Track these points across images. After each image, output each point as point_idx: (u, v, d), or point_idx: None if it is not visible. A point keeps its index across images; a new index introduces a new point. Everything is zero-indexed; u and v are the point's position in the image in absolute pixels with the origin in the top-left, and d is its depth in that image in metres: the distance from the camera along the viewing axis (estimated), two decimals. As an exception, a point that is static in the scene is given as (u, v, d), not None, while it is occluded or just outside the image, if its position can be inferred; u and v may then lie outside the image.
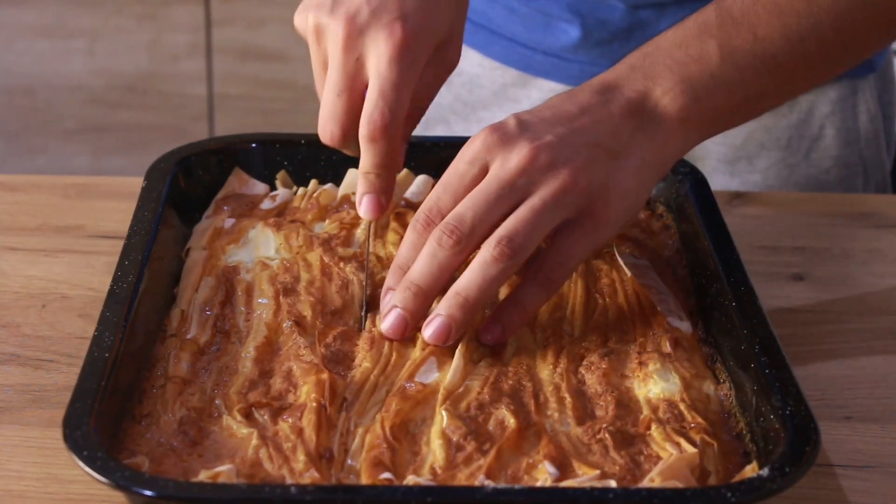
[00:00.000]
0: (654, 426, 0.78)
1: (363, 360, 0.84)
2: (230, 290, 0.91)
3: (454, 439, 0.77)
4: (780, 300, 1.00)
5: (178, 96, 2.54)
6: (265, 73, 2.52)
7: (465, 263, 0.85)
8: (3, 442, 0.83)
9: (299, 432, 0.77)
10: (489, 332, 0.85)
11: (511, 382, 0.82)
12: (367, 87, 0.88)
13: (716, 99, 0.89)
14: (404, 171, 1.02)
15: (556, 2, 1.21)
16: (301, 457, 0.75)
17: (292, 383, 0.82)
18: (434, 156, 1.02)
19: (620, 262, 0.93)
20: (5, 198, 1.11)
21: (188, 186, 1.00)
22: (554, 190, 0.83)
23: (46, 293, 0.98)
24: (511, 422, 0.78)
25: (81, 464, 0.72)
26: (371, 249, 0.93)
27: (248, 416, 0.79)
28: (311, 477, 0.74)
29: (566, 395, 0.82)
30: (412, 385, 0.81)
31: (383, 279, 0.88)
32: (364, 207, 0.89)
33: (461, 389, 0.81)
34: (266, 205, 1.01)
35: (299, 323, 0.86)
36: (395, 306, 0.84)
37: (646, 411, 0.80)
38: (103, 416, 0.76)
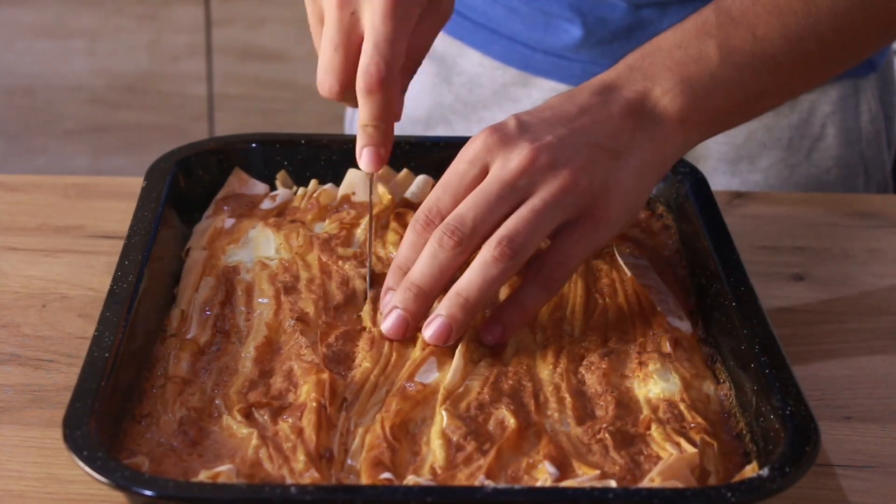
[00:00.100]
0: (654, 426, 0.78)
1: (363, 360, 0.84)
2: (230, 290, 0.91)
3: (454, 439, 0.77)
4: (780, 300, 1.00)
5: (178, 96, 2.54)
6: (265, 73, 2.52)
7: (465, 264, 0.85)
8: (3, 442, 0.83)
9: (299, 432, 0.77)
10: (490, 333, 0.85)
11: (511, 382, 0.82)
12: (362, 41, 0.88)
13: (715, 99, 0.89)
14: (404, 171, 1.02)
15: (557, 1, 1.21)
16: (301, 457, 0.75)
17: (292, 383, 0.82)
18: (434, 156, 1.02)
19: (620, 262, 0.93)
20: (5, 198, 1.11)
21: (188, 186, 1.00)
22: (554, 190, 0.83)
23: (46, 293, 0.98)
24: (511, 422, 0.78)
25: (81, 464, 0.72)
26: (371, 249, 0.93)
27: (248, 416, 0.79)
28: (311, 477, 0.74)
29: (566, 395, 0.82)
30: (412, 385, 0.81)
31: (384, 276, 0.88)
32: (364, 160, 0.89)
33: (461, 389, 0.81)
34: (266, 205, 1.01)
35: (303, 320, 0.86)
36: (396, 307, 0.84)
37: (646, 411, 0.80)
38: (103, 416, 0.76)
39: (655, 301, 0.89)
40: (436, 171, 0.98)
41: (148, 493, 0.70)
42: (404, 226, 0.94)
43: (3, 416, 0.85)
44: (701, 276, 0.91)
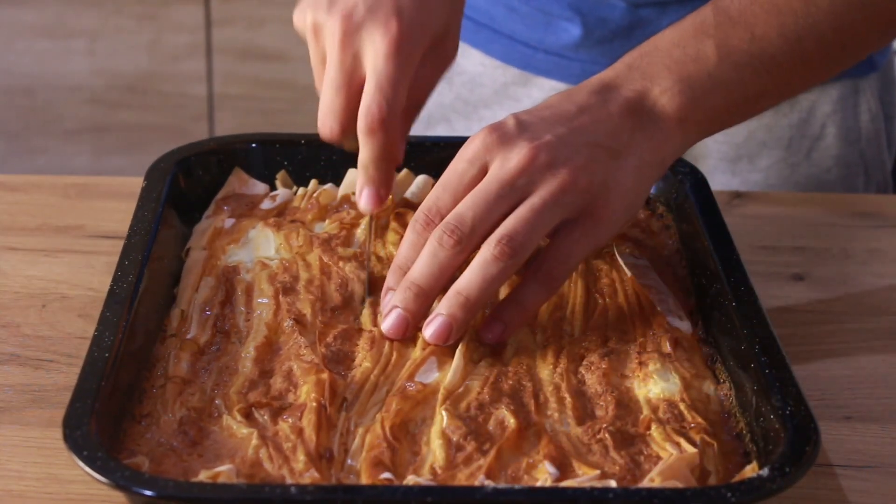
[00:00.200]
0: (654, 426, 0.78)
1: (363, 360, 0.84)
2: (230, 290, 0.91)
3: (454, 439, 0.77)
4: (780, 300, 1.00)
5: (178, 96, 2.54)
6: (265, 73, 2.52)
7: (465, 263, 0.85)
8: (3, 442, 0.83)
9: (299, 432, 0.77)
10: (490, 331, 0.85)
11: (511, 382, 0.82)
12: (364, 82, 0.88)
13: (714, 98, 0.89)
14: (404, 171, 1.02)
15: (557, 0, 1.21)
16: (301, 457, 0.75)
17: (292, 383, 0.82)
18: (434, 156, 1.02)
19: (620, 262, 0.93)
20: (5, 198, 1.11)
21: (188, 186, 1.00)
22: (554, 189, 0.83)
23: (46, 293, 0.98)
24: (511, 422, 0.78)
25: (81, 464, 0.72)
26: (371, 249, 0.93)
27: (248, 416, 0.79)
28: (311, 477, 0.74)
29: (566, 395, 0.82)
30: (412, 385, 0.81)
31: (383, 278, 0.88)
32: (364, 200, 0.90)
33: (461, 389, 0.81)
34: (266, 205, 1.01)
35: (299, 321, 0.86)
36: (396, 306, 0.84)
37: (646, 411, 0.80)
38: (103, 416, 0.76)
39: (655, 301, 0.89)
40: (436, 171, 0.98)
41: (148, 493, 0.70)
42: (404, 226, 0.94)
43: (3, 416, 0.85)
44: (701, 276, 0.91)
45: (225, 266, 0.93)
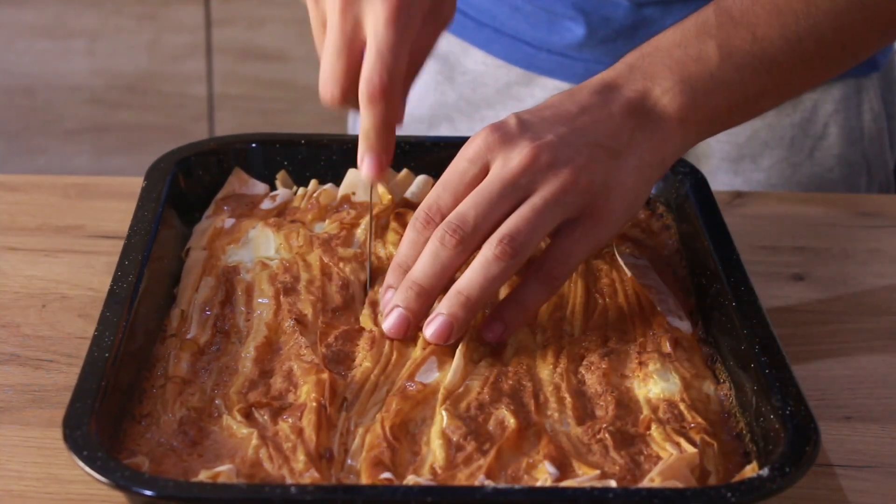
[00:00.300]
0: (654, 426, 0.78)
1: (363, 360, 0.84)
2: (230, 290, 0.91)
3: (454, 439, 0.77)
4: (780, 300, 1.00)
5: (178, 96, 2.54)
6: (265, 73, 2.52)
7: (465, 263, 0.85)
8: (3, 442, 0.83)
9: (299, 432, 0.77)
10: (491, 330, 0.85)
11: (511, 382, 0.82)
12: (364, 47, 0.88)
13: (715, 99, 0.89)
14: (404, 171, 1.02)
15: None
16: (301, 457, 0.75)
17: (292, 383, 0.82)
18: (434, 156, 1.02)
19: (620, 262, 0.93)
20: (5, 198, 1.11)
21: (188, 186, 1.00)
22: (555, 189, 0.83)
23: (46, 293, 0.98)
24: (511, 422, 0.78)
25: (81, 464, 0.72)
26: (369, 256, 0.93)
27: (248, 416, 0.79)
28: (311, 477, 0.74)
29: (566, 395, 0.82)
30: (412, 385, 0.81)
31: (384, 271, 0.88)
32: (366, 167, 0.90)
33: (461, 389, 0.81)
34: (266, 205, 1.01)
35: (300, 321, 0.86)
36: (398, 306, 0.84)
37: (646, 411, 0.80)
38: (103, 416, 0.76)
39: (655, 301, 0.89)
40: (436, 171, 0.98)
41: (148, 493, 0.70)
42: (404, 226, 0.94)
43: (3, 416, 0.85)
44: (701, 276, 0.91)
45: (225, 266, 0.93)
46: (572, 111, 0.87)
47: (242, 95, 2.54)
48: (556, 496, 0.72)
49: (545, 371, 0.84)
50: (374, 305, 0.89)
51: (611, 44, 1.20)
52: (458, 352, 0.83)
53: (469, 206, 0.83)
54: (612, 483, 0.74)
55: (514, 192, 0.83)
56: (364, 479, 0.75)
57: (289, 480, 0.74)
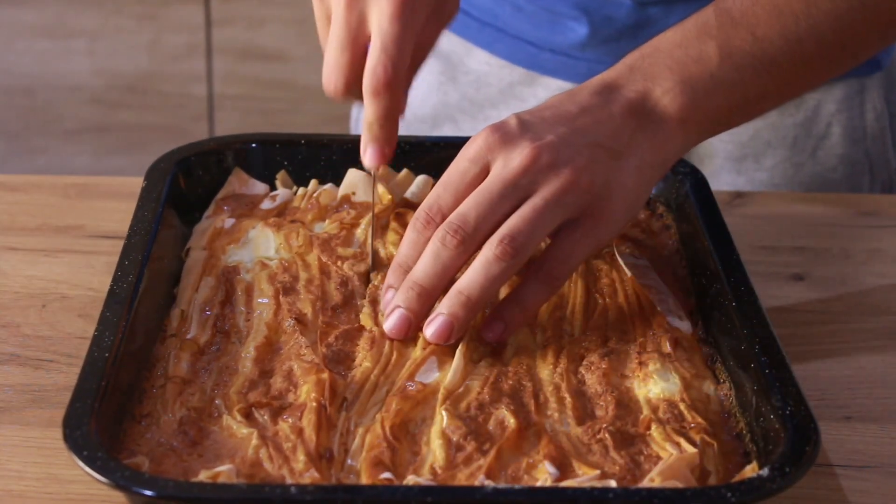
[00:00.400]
0: (654, 426, 0.78)
1: (363, 360, 0.84)
2: (230, 290, 0.91)
3: (454, 439, 0.77)
4: (780, 300, 1.00)
5: (178, 96, 2.54)
6: (265, 73, 2.52)
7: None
8: (3, 442, 0.83)
9: (299, 432, 0.77)
10: (491, 330, 0.85)
11: (511, 382, 0.82)
12: (369, 41, 0.89)
13: (715, 99, 0.89)
14: (404, 171, 1.02)
15: (563, -1, 1.21)
16: (301, 457, 0.75)
17: (292, 383, 0.82)
18: (434, 156, 1.02)
19: (620, 262, 0.93)
20: (5, 198, 1.11)
21: (188, 186, 1.00)
22: (556, 189, 0.83)
23: (46, 293, 0.98)
24: (511, 422, 0.78)
25: (81, 464, 0.72)
26: (371, 244, 0.93)
27: (248, 416, 0.79)
28: (311, 477, 0.74)
29: (566, 395, 0.82)
30: (412, 385, 0.81)
31: (385, 262, 0.88)
32: (368, 156, 0.90)
33: (461, 389, 0.81)
34: (266, 205, 1.01)
35: (300, 321, 0.86)
36: (399, 306, 0.84)
37: (646, 411, 0.80)
38: (103, 416, 0.76)
39: (655, 301, 0.89)
40: (436, 171, 0.98)
41: (148, 493, 0.70)
42: (404, 226, 0.94)
43: (3, 416, 0.85)
44: (701, 276, 0.91)
45: (225, 266, 0.93)
46: (573, 112, 0.87)
47: (242, 95, 2.54)
48: (556, 496, 0.72)
49: (545, 371, 0.84)
50: (375, 304, 0.89)
51: (613, 43, 1.20)
52: (458, 352, 0.83)
53: (470, 206, 0.83)
54: (612, 483, 0.74)
55: (515, 193, 0.83)
56: (364, 479, 0.75)
57: (289, 480, 0.74)
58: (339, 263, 0.92)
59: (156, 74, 2.52)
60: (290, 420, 0.78)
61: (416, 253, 0.85)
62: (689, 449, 0.76)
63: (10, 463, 0.82)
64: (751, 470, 0.76)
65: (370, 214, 0.96)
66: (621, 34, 1.20)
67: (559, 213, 0.84)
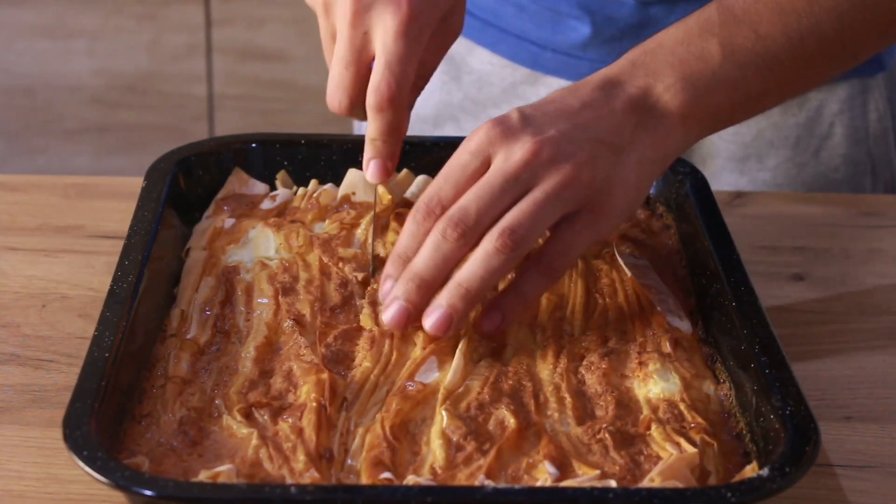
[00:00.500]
0: (654, 426, 0.78)
1: (363, 360, 0.84)
2: (230, 290, 0.91)
3: (454, 439, 0.77)
4: (780, 300, 1.00)
5: (178, 96, 2.53)
6: (265, 73, 2.52)
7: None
8: (3, 442, 0.83)
9: (299, 432, 0.77)
10: (489, 320, 0.85)
11: (511, 382, 0.82)
12: (373, 59, 0.90)
13: (717, 96, 0.89)
14: (404, 171, 1.02)
15: (566, -1, 1.21)
16: (301, 457, 0.75)
17: (292, 383, 0.82)
18: (434, 156, 1.02)
19: (620, 262, 0.93)
20: (5, 198, 1.11)
21: (188, 186, 1.00)
22: (556, 183, 0.84)
23: (46, 293, 0.98)
24: (511, 422, 0.78)
25: (81, 464, 0.72)
26: (371, 247, 0.93)
27: (248, 416, 0.79)
28: (311, 477, 0.74)
29: (566, 395, 0.82)
30: (412, 385, 0.81)
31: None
32: (371, 171, 0.91)
33: (461, 389, 0.81)
34: (266, 205, 1.01)
35: (299, 321, 0.86)
36: (398, 298, 0.84)
37: (646, 411, 0.80)
38: (103, 416, 0.76)
39: (655, 301, 0.89)
40: (436, 171, 0.98)
41: (148, 493, 0.70)
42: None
43: (3, 416, 0.85)
44: (701, 276, 0.91)
45: (225, 266, 0.93)
46: (574, 106, 0.87)
47: (242, 95, 2.54)
48: (556, 496, 0.72)
49: (545, 371, 0.84)
50: (374, 305, 0.89)
51: (616, 43, 1.20)
52: (458, 352, 0.83)
53: (471, 199, 0.84)
54: (612, 483, 0.74)
55: (516, 186, 0.84)
56: (364, 479, 0.75)
57: (289, 480, 0.74)
58: (339, 265, 0.92)
59: (156, 74, 2.52)
60: (290, 420, 0.78)
61: (415, 244, 0.85)
62: (689, 449, 0.76)
63: (10, 463, 0.82)
64: (751, 470, 0.76)
65: (370, 215, 0.96)
66: (624, 34, 1.20)
67: (559, 207, 0.84)
